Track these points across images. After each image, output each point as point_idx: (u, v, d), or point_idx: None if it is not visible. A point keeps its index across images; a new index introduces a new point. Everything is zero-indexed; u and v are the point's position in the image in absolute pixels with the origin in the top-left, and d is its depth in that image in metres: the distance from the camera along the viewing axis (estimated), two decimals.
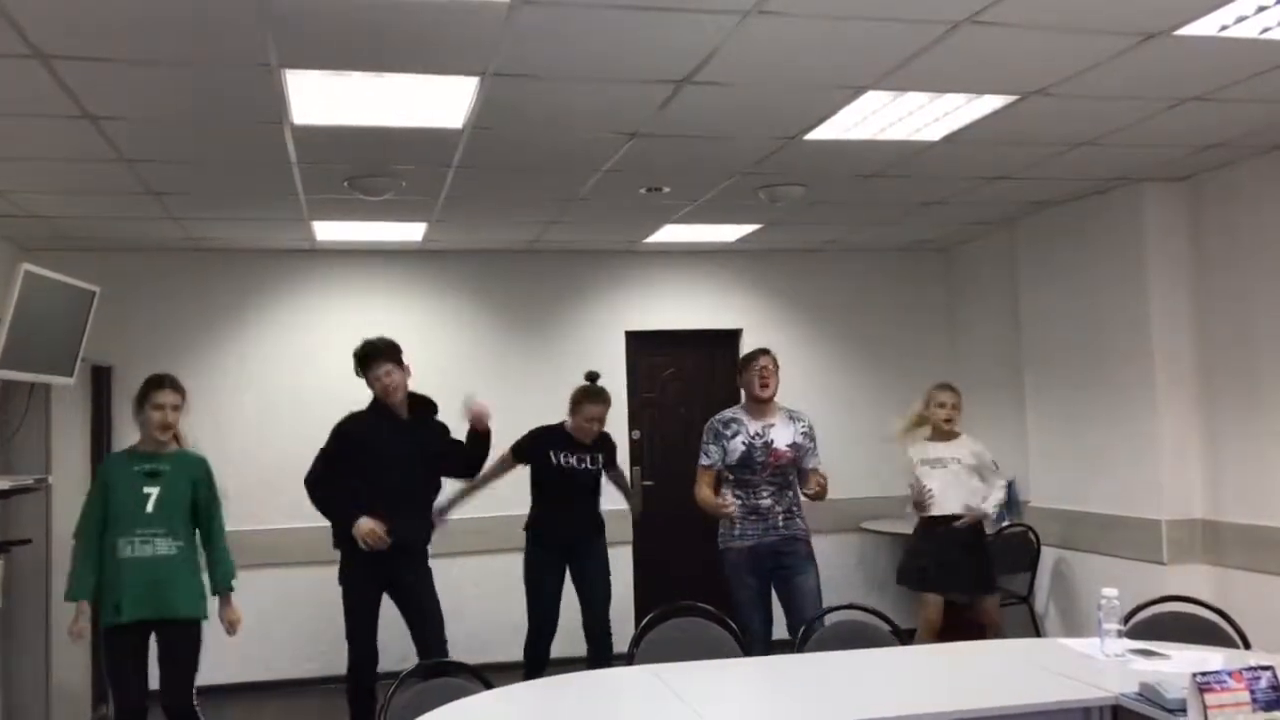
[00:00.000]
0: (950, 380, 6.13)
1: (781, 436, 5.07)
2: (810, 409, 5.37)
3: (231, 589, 4.63)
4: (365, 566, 4.99)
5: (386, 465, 4.97)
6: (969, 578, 5.80)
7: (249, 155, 4.77)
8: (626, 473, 6.24)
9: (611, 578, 5.70)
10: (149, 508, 4.41)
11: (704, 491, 5.10)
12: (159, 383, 4.53)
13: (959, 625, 5.93)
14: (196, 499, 4.55)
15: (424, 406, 5.18)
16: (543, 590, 5.56)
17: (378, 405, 5.10)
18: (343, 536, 5.01)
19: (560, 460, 5.53)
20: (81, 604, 4.40)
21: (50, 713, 5.54)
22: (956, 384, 6.01)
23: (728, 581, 5.08)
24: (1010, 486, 7.07)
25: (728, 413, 5.17)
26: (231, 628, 4.62)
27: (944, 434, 5.82)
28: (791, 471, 5.10)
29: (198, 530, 4.59)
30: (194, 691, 4.53)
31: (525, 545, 5.64)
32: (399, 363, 5.06)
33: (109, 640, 4.46)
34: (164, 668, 4.50)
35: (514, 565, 5.64)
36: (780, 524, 5.03)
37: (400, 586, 5.06)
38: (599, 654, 5.54)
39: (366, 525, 4.87)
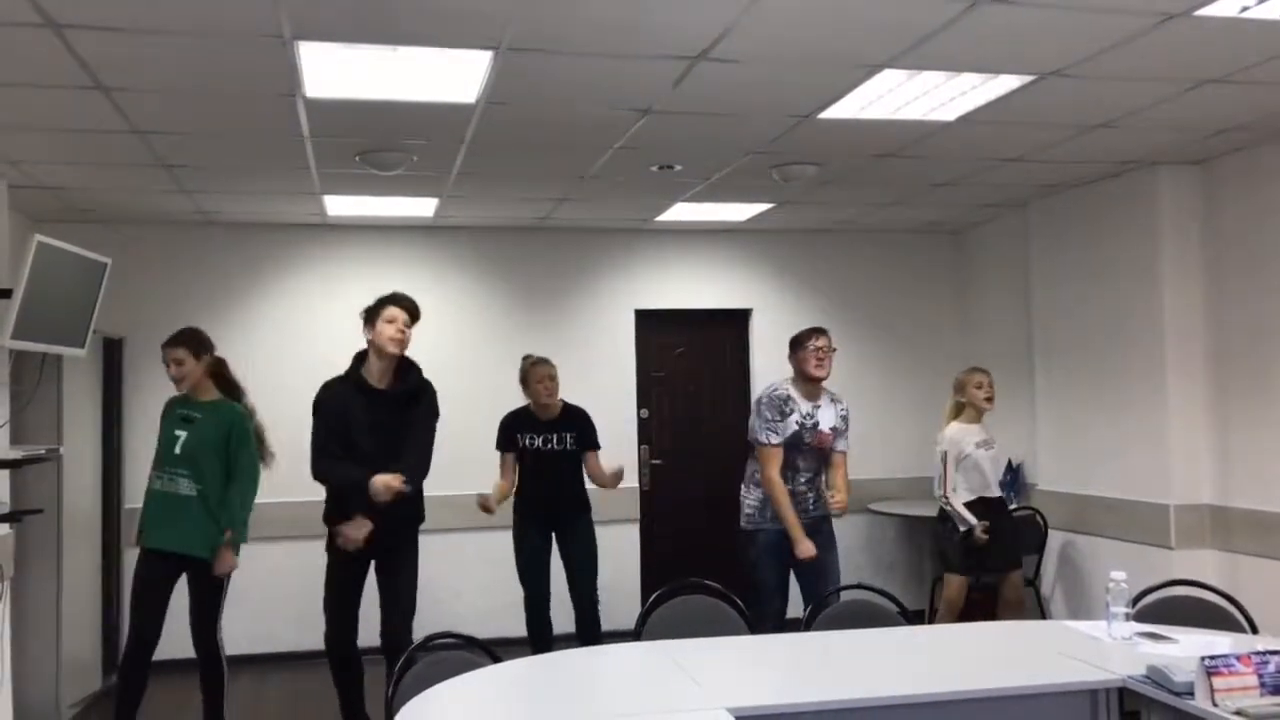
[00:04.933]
0: (979, 363, 6.22)
1: (826, 419, 5.06)
2: (843, 397, 5.32)
3: (226, 540, 4.73)
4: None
5: (363, 439, 4.74)
6: (1014, 553, 5.89)
7: (261, 128, 4.77)
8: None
9: (599, 554, 5.75)
10: (177, 449, 4.76)
11: (775, 477, 4.92)
12: (165, 343, 4.87)
13: (975, 603, 5.97)
14: (228, 448, 4.82)
15: (409, 372, 4.88)
16: (528, 563, 5.66)
17: (355, 372, 4.84)
18: (338, 509, 4.81)
19: (527, 443, 5.63)
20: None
21: (60, 682, 5.59)
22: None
23: (753, 562, 5.06)
24: (1019, 469, 7.09)
25: (781, 389, 5.04)
26: (219, 565, 4.72)
27: (980, 415, 5.87)
28: (828, 455, 5.10)
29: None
30: (217, 628, 4.84)
31: (512, 524, 5.74)
32: (411, 317, 4.82)
33: (138, 561, 4.82)
34: (190, 604, 4.82)
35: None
36: (811, 506, 5.04)
37: (381, 566, 4.88)
38: (587, 631, 5.60)
39: (352, 529, 4.69)
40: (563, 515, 5.71)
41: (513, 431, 5.68)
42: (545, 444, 5.64)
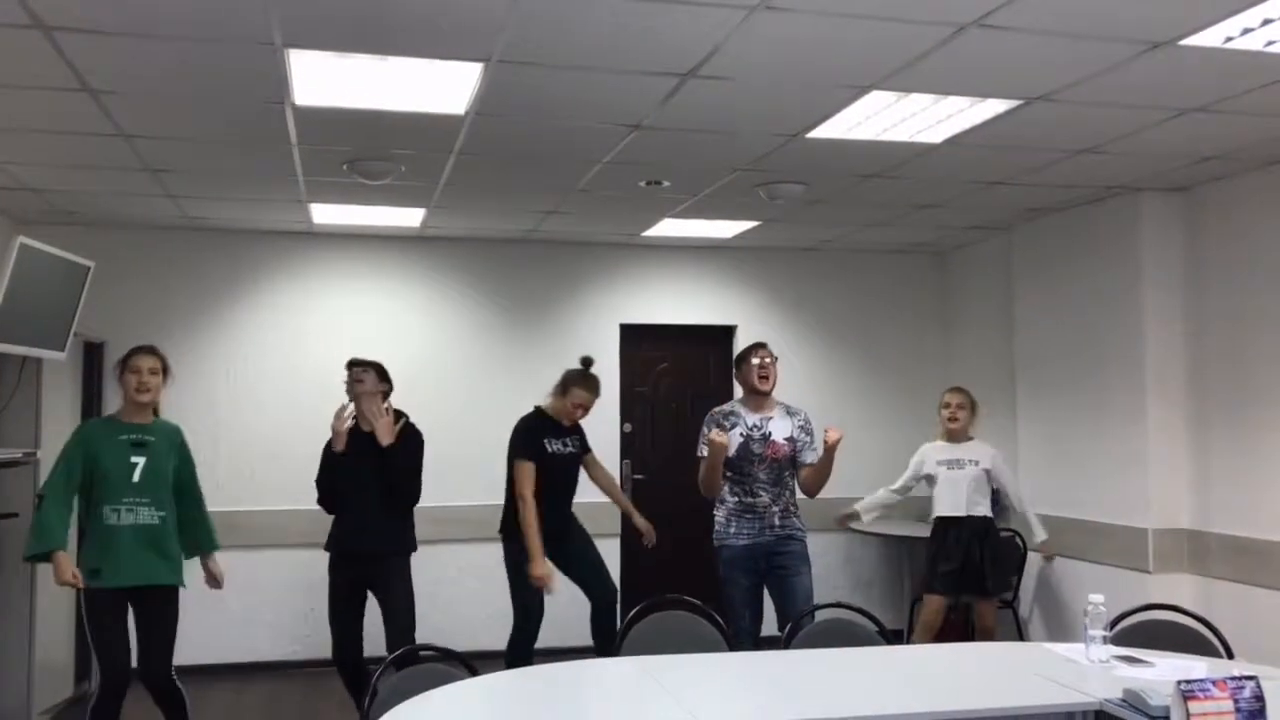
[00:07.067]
0: (961, 384, 6.23)
1: (779, 429, 5.05)
2: (801, 408, 5.35)
3: (218, 547, 4.76)
4: (336, 561, 5.15)
5: (346, 472, 5.04)
6: (981, 582, 5.85)
7: (249, 135, 4.75)
8: (612, 473, 6.13)
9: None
10: (135, 477, 4.45)
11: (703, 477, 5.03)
12: (138, 349, 4.58)
13: (951, 626, 5.96)
14: (178, 467, 4.62)
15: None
16: (538, 592, 5.35)
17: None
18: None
19: (554, 448, 5.43)
20: (60, 554, 4.32)
21: (32, 687, 5.52)
22: (967, 387, 6.09)
23: (720, 576, 5.07)
24: (999, 490, 7.10)
25: (726, 406, 5.14)
26: (216, 581, 4.76)
27: (955, 436, 5.89)
28: (789, 468, 5.07)
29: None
30: (172, 661, 4.60)
31: (509, 545, 5.42)
32: (367, 373, 5.07)
33: (93, 603, 4.41)
34: (144, 636, 4.52)
35: (499, 553, 5.59)
36: (776, 523, 5.00)
37: (374, 591, 5.13)
38: (605, 632, 5.45)
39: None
40: (563, 528, 5.46)
41: (539, 436, 5.42)
42: (565, 447, 5.49)
